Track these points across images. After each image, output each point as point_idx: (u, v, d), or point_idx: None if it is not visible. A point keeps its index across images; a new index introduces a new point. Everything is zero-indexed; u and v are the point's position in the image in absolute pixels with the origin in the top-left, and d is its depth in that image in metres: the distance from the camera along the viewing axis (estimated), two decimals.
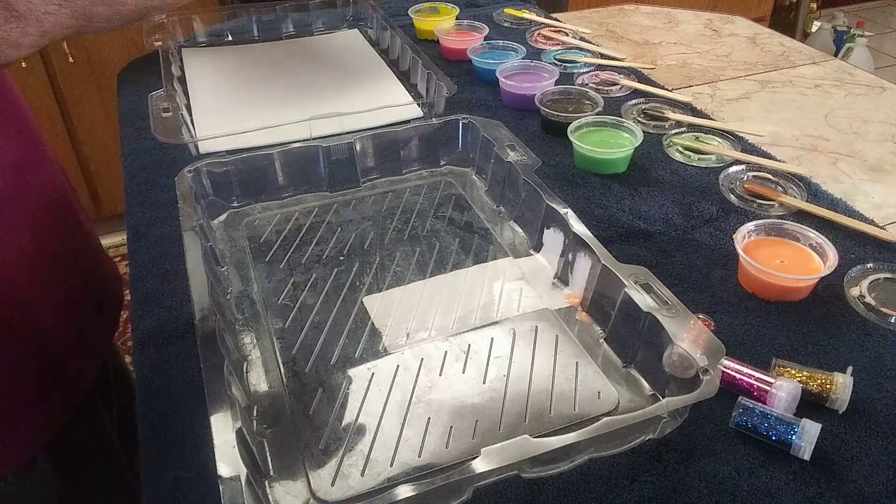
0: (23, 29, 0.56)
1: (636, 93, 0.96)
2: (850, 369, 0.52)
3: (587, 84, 0.98)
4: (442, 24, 1.10)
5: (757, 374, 0.52)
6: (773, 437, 0.48)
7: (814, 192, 0.75)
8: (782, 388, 0.50)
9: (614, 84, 0.97)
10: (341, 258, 0.66)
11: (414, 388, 0.53)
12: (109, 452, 0.80)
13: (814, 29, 3.12)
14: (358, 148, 0.74)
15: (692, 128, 0.87)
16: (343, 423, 0.50)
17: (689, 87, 1.02)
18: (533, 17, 1.20)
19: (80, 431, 0.74)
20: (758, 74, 1.05)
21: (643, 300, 0.51)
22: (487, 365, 0.55)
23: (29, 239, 0.65)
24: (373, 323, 0.59)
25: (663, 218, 0.72)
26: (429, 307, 0.60)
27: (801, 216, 0.71)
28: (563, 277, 0.62)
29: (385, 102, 0.90)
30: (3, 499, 0.66)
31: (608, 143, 0.80)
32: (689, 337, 0.48)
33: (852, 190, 0.78)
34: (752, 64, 1.09)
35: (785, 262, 0.62)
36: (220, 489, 0.39)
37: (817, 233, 0.64)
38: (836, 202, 0.74)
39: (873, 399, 0.52)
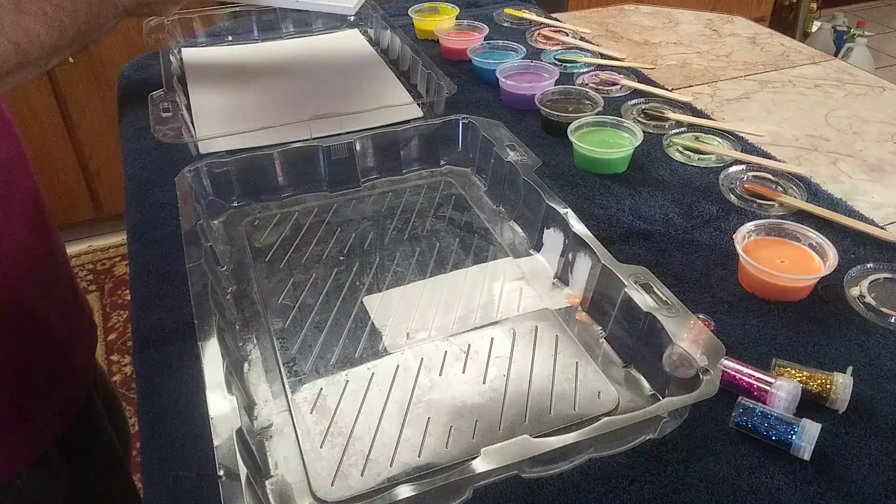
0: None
1: (636, 93, 0.96)
2: (850, 369, 0.52)
3: (587, 84, 0.98)
4: (442, 24, 1.10)
5: (757, 374, 0.52)
6: (773, 437, 0.48)
7: (814, 192, 0.75)
8: (782, 388, 0.50)
9: (614, 84, 0.97)
10: (341, 258, 0.66)
11: (414, 388, 0.53)
12: (110, 448, 0.81)
13: (814, 29, 3.12)
14: (358, 148, 0.74)
15: (692, 128, 0.87)
16: (343, 423, 0.50)
17: (689, 87, 1.02)
18: (533, 17, 1.20)
19: (85, 427, 0.74)
20: (758, 74, 1.05)
21: (643, 300, 0.52)
22: (487, 365, 0.55)
23: (25, 236, 0.66)
24: (373, 323, 0.59)
25: (663, 218, 0.72)
26: (429, 307, 0.60)
27: (801, 216, 0.71)
28: (563, 277, 0.62)
29: (385, 102, 0.90)
30: (18, 496, 0.66)
31: (608, 143, 0.80)
32: (689, 337, 0.48)
33: (852, 190, 0.78)
34: (752, 64, 1.09)
35: (785, 262, 0.62)
36: (220, 489, 0.39)
37: (817, 233, 0.63)
38: (836, 202, 0.74)
39: (873, 399, 0.52)
